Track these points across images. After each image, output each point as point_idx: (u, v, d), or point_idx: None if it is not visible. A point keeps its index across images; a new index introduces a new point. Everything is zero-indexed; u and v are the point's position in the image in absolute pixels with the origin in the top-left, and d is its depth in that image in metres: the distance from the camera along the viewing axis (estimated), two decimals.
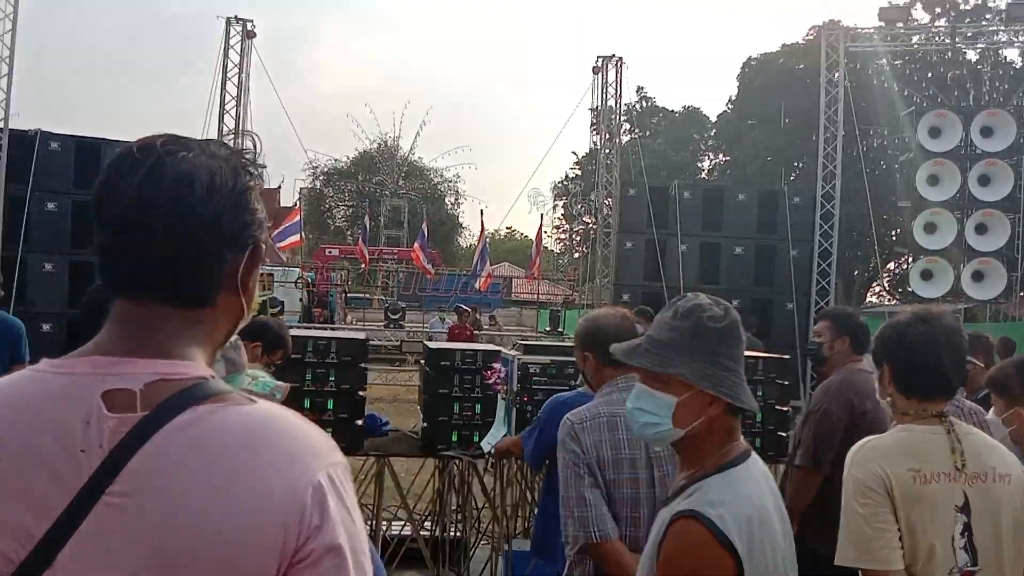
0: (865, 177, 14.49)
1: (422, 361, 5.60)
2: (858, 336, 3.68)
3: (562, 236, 42.24)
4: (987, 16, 21.21)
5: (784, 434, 4.79)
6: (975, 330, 5.30)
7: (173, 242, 0.92)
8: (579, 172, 37.94)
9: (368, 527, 5.38)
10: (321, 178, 41.21)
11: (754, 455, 1.73)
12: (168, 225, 0.91)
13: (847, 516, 2.08)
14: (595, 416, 2.49)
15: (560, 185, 40.61)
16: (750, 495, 1.62)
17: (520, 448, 3.73)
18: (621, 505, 2.38)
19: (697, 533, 1.54)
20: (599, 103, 16.63)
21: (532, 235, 22.13)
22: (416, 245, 19.68)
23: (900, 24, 14.17)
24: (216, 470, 0.86)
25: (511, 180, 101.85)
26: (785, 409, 4.88)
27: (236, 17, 15.00)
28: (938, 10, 25.64)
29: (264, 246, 1.03)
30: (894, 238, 27.31)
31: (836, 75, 13.45)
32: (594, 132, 17.47)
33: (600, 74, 16.25)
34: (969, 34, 16.47)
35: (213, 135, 14.93)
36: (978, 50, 25.04)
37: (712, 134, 37.65)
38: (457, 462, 5.12)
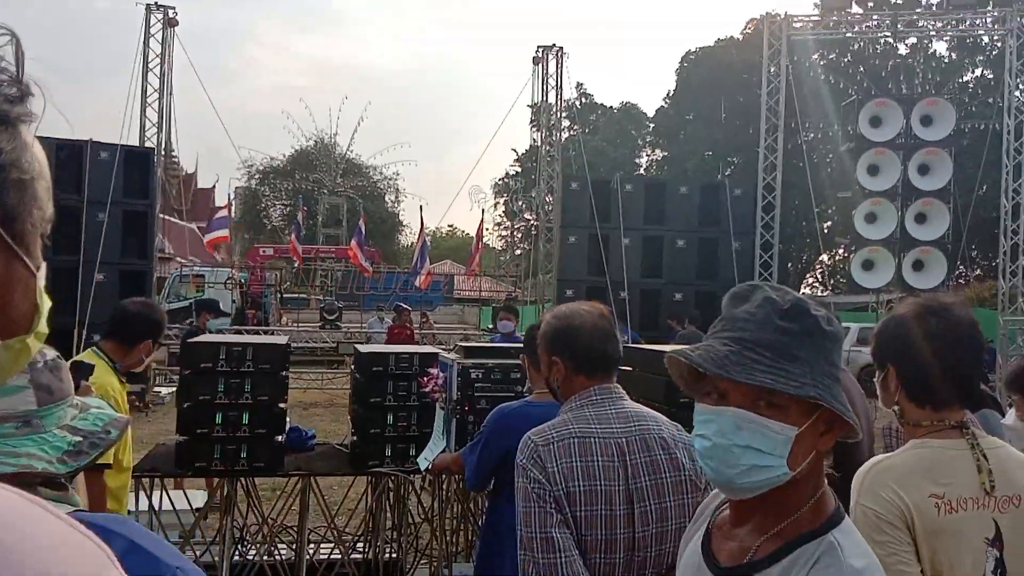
0: (808, 169, 14.49)
1: (352, 367, 5.05)
2: None
3: (504, 233, 41.97)
4: (918, 10, 21.60)
5: None
6: None
7: None
8: (519, 169, 37.68)
9: (292, 551, 4.87)
10: (257, 177, 40.14)
11: None
12: None
13: None
14: (563, 436, 1.99)
15: (501, 182, 40.35)
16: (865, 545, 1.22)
17: (460, 466, 3.31)
18: (593, 548, 1.90)
19: None
20: (540, 97, 16.39)
21: (473, 233, 21.69)
22: (353, 243, 18.96)
23: (840, 14, 14.20)
24: None
25: (452, 177, 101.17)
26: None
27: (156, 3, 14.22)
28: (871, 4, 26.10)
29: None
30: (826, 231, 27.80)
31: (775, 66, 13.37)
32: (534, 128, 17.19)
33: (541, 64, 16.01)
34: (901, 27, 16.71)
35: (135, 129, 14.22)
36: (909, 45, 25.61)
37: (650, 129, 37.78)
38: (392, 477, 4.65)
